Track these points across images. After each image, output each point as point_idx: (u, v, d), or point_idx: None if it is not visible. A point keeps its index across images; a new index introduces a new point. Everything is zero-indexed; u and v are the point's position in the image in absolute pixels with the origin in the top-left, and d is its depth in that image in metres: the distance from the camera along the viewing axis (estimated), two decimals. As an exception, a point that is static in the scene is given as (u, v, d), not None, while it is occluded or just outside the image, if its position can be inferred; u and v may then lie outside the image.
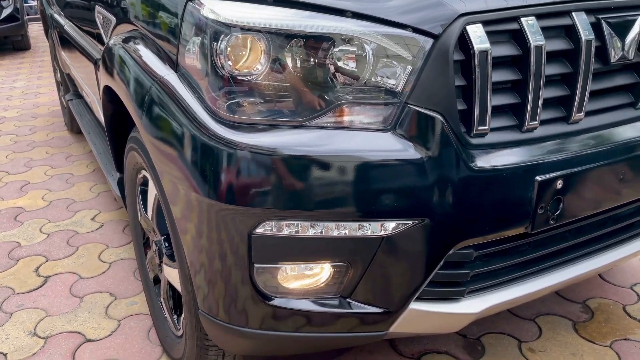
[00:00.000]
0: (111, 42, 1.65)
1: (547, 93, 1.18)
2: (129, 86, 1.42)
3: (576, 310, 1.95)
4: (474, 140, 1.13)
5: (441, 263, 1.17)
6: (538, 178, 1.16)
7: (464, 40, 1.08)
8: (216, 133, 1.11)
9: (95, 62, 2.10)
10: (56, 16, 3.41)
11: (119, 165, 1.99)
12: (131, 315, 1.99)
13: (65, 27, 2.99)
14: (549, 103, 1.21)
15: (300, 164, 1.08)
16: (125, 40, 1.53)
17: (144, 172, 1.64)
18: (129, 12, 1.56)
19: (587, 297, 2.02)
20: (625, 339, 1.79)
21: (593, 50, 1.18)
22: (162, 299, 1.74)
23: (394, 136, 1.10)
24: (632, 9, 1.24)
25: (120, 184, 2.04)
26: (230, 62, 1.11)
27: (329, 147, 1.09)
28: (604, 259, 1.43)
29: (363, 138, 1.10)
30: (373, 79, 1.11)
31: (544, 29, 1.14)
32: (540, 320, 1.90)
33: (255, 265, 1.15)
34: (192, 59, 1.19)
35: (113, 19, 1.71)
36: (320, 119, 1.11)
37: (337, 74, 1.11)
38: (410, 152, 1.09)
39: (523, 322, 1.89)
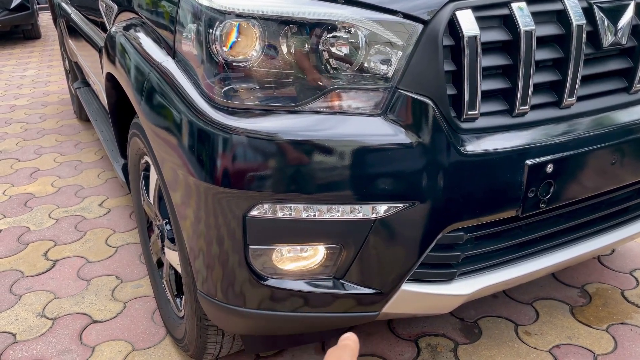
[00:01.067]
0: (113, 29, 1.68)
1: (538, 78, 1.20)
2: (129, 73, 1.45)
3: (574, 294, 1.97)
4: (464, 125, 1.15)
5: (432, 245, 1.19)
6: (528, 162, 1.17)
7: (453, 26, 1.10)
8: (212, 118, 1.14)
9: (99, 50, 2.13)
10: (63, 5, 3.45)
11: (124, 151, 2.03)
12: (136, 297, 2.05)
13: (72, 15, 3.03)
14: (540, 88, 1.22)
15: (293, 149, 1.10)
16: (126, 28, 1.56)
17: (146, 158, 1.67)
18: (129, 0, 1.58)
19: (586, 282, 2.03)
20: (622, 323, 1.81)
21: (584, 35, 1.19)
22: (164, 282, 1.79)
23: (385, 121, 1.12)
24: (625, -6, 1.24)
25: (125, 169, 2.08)
26: (225, 49, 1.14)
27: (321, 132, 1.11)
28: (598, 243, 1.45)
29: (355, 123, 1.13)
30: (365, 65, 1.13)
31: (534, 13, 1.15)
32: (538, 304, 1.92)
33: (250, 246, 1.18)
34: (188, 45, 1.21)
35: (115, 7, 1.74)
36: (313, 104, 1.14)
37: (330, 60, 1.13)
38: (401, 136, 1.12)
39: (520, 306, 1.91)
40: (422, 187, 1.13)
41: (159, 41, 1.36)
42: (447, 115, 1.12)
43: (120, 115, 1.91)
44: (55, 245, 2.46)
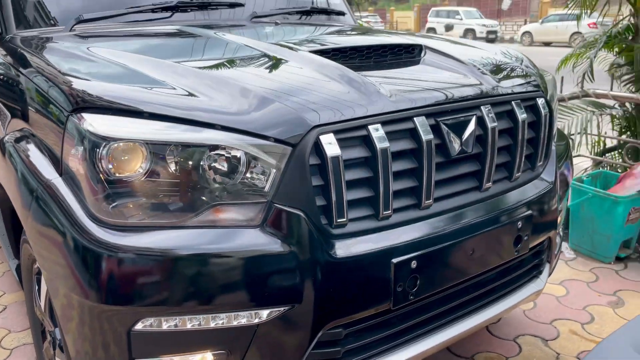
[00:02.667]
0: (5, 137, 1.70)
1: (398, 185, 1.36)
2: (18, 186, 1.47)
3: (465, 365, 2.11)
4: (336, 231, 1.28)
5: (313, 343, 1.28)
6: (394, 260, 1.31)
7: (319, 147, 1.24)
8: (96, 237, 1.19)
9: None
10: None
11: (18, 251, 1.98)
12: (30, 406, 1.94)
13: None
14: (401, 193, 1.39)
15: (176, 264, 1.18)
16: (17, 139, 1.59)
17: (37, 264, 1.66)
18: (22, 112, 1.62)
19: (475, 352, 2.19)
20: (507, 390, 1.96)
21: (434, 147, 1.38)
22: (59, 390, 1.73)
23: (263, 232, 1.23)
24: (465, 111, 1.47)
25: (20, 270, 2.02)
26: (110, 168, 1.21)
27: (203, 246, 1.20)
28: (477, 318, 1.60)
29: (235, 235, 1.22)
30: (244, 182, 1.24)
31: (389, 132, 1.33)
32: (432, 378, 2.03)
33: None
34: (75, 163, 1.27)
35: (8, 115, 1.77)
36: (196, 218, 1.23)
37: (213, 177, 1.23)
38: (277, 246, 1.22)
39: (416, 381, 2.02)
40: (299, 291, 1.23)
41: (48, 157, 1.40)
42: (318, 224, 1.25)
43: (14, 216, 1.89)
44: (-60, 352, 2.29)
